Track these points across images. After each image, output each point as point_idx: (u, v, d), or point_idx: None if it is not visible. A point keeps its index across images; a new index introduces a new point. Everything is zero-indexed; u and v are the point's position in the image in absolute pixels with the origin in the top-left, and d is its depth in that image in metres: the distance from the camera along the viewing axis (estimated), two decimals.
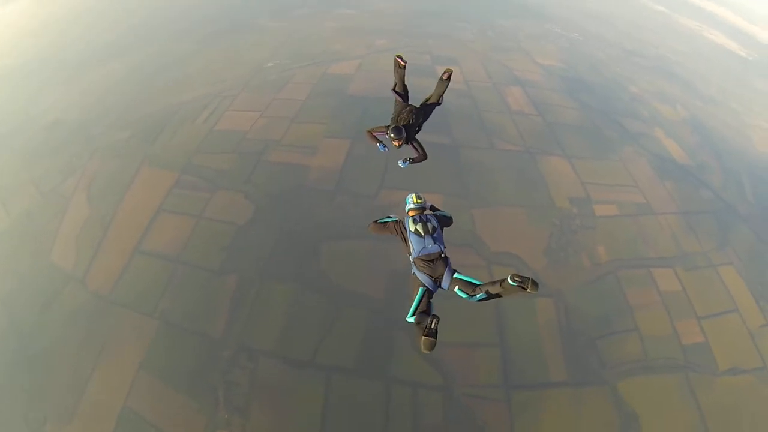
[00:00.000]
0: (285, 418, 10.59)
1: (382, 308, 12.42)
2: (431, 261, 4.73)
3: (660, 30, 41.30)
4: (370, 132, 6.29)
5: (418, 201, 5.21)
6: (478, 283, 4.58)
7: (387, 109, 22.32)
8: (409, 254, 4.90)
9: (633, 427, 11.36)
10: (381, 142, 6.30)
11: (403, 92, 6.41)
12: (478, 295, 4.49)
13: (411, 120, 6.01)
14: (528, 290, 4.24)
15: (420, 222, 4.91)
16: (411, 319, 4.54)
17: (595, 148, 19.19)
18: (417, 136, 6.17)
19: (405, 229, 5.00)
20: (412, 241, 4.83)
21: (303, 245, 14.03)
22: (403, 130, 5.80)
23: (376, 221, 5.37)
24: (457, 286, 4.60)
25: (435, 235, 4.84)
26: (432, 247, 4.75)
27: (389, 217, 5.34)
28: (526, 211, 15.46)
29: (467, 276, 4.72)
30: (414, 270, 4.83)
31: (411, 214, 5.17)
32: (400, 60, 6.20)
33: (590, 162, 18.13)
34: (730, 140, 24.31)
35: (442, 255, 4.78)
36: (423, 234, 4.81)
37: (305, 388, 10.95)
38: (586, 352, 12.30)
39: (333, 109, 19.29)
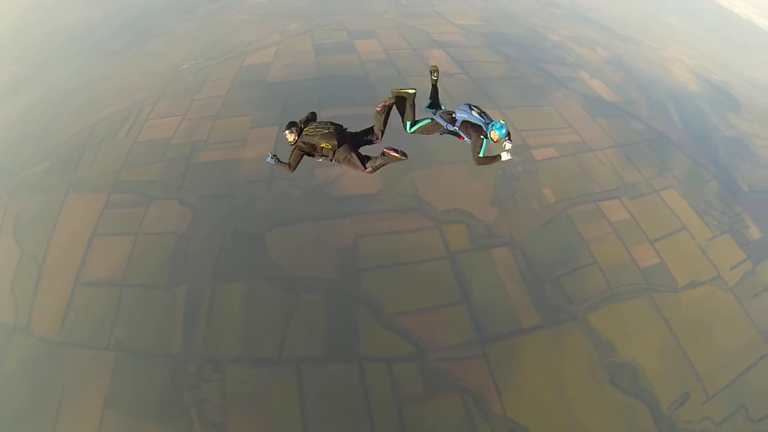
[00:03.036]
0: (264, 421, 11.04)
1: (338, 287, 13.19)
2: None
3: None
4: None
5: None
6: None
7: (309, 91, 23.18)
8: None
9: (610, 356, 13.01)
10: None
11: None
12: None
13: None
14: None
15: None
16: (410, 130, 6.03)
17: (525, 96, 21.32)
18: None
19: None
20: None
21: (248, 240, 14.62)
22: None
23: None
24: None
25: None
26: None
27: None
28: (465, 166, 16.61)
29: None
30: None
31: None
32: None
33: (522, 110, 20.19)
34: (651, 74, 27.95)
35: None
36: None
37: (278, 386, 11.47)
38: (552, 293, 13.81)
39: (256, 99, 20.26)
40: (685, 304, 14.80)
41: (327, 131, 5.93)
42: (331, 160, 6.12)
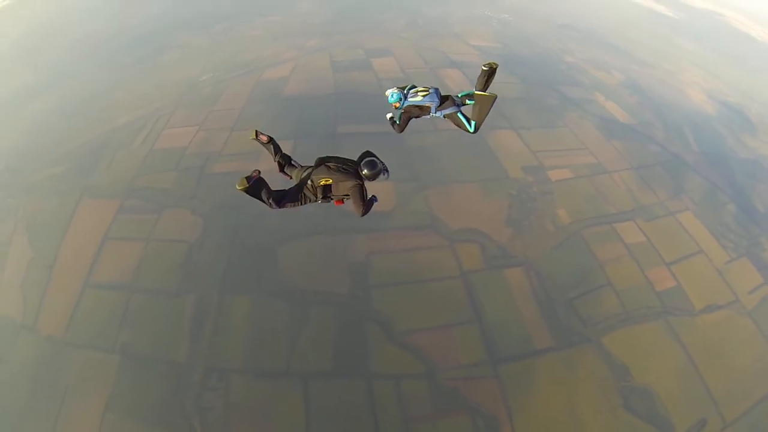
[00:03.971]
0: None
1: (349, 303, 13.29)
2: None
3: (588, 1, 47.29)
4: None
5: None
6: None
7: (325, 107, 23.62)
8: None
9: (625, 379, 12.85)
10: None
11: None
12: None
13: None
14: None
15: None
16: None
17: (540, 117, 21.61)
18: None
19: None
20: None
21: (259, 252, 14.87)
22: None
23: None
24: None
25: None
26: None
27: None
28: (480, 185, 17.17)
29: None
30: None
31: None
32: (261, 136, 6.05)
33: (538, 131, 20.45)
34: (667, 97, 28.04)
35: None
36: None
37: (284, 399, 11.48)
38: (565, 315, 13.76)
39: (272, 113, 20.81)
40: (703, 328, 14.58)
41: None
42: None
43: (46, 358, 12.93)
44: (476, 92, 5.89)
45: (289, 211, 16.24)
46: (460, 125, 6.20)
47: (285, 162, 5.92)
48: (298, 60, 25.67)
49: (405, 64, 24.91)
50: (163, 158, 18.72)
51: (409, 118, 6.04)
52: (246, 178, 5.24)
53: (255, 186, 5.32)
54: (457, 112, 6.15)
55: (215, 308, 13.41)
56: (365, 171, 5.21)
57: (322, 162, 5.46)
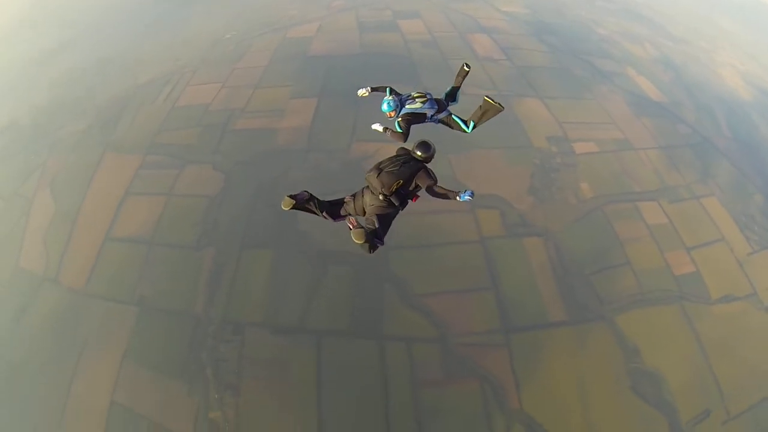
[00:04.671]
0: (278, 389, 11.23)
1: (368, 263, 13.05)
2: None
3: None
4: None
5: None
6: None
7: (350, 67, 22.99)
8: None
9: (635, 361, 12.68)
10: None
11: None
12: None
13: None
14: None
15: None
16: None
17: (569, 88, 20.77)
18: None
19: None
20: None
21: (279, 209, 14.33)
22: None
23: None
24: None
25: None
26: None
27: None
28: (504, 152, 16.68)
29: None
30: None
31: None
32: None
33: (565, 102, 19.66)
34: (701, 77, 26.76)
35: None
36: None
37: (296, 355, 11.63)
38: (581, 290, 13.48)
39: (296, 71, 20.54)
40: (717, 318, 14.24)
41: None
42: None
43: (66, 310, 13.35)
44: (486, 98, 5.80)
45: (311, 171, 15.54)
46: (454, 127, 6.11)
47: (334, 209, 5.37)
48: (324, 19, 25.10)
49: (433, 27, 24.06)
50: (186, 114, 18.82)
51: (410, 125, 5.74)
52: (290, 196, 4.92)
53: (303, 205, 5.03)
54: (449, 114, 6.04)
55: (234, 263, 13.49)
56: (420, 153, 5.15)
57: (379, 170, 5.00)
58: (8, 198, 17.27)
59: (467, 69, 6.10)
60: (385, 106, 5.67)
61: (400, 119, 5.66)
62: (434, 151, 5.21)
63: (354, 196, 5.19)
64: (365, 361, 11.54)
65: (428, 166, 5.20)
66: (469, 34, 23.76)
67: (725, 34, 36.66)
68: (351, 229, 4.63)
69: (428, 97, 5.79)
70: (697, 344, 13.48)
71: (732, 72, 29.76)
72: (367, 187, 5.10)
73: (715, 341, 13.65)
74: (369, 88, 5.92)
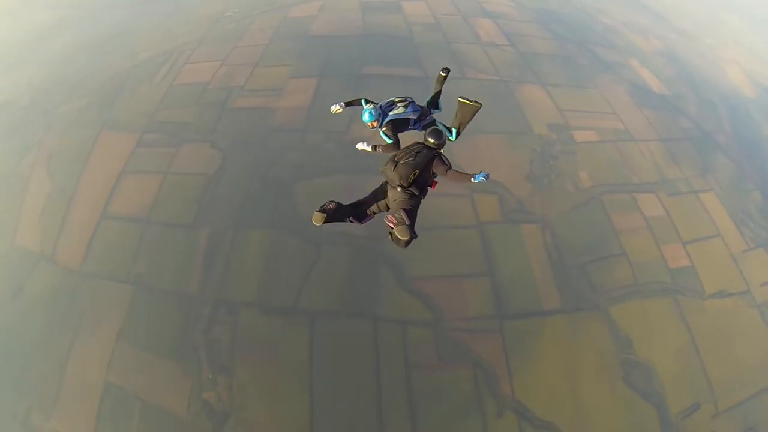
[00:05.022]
0: (271, 370, 11.20)
1: (363, 244, 13.13)
2: None
3: None
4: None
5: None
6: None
7: (351, 47, 22.74)
8: None
9: (627, 352, 12.72)
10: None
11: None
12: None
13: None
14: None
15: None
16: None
17: (571, 76, 20.58)
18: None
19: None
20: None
21: (277, 188, 14.70)
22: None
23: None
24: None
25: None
26: None
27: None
28: (504, 138, 16.52)
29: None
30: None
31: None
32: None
33: (567, 90, 19.51)
34: (705, 72, 26.60)
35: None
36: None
37: (289, 335, 11.61)
38: (577, 279, 13.47)
39: (297, 50, 20.23)
40: (710, 313, 14.32)
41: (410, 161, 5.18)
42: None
43: (62, 288, 13.30)
44: (460, 99, 5.74)
45: (309, 152, 15.29)
46: None
47: (357, 210, 5.38)
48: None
49: (436, 10, 23.72)
50: (185, 93, 18.62)
51: (397, 132, 5.63)
52: (320, 211, 4.90)
53: (333, 216, 5.00)
54: (433, 122, 5.86)
55: (229, 242, 13.42)
56: (432, 140, 5.30)
57: (395, 163, 5.10)
58: (4, 176, 17.09)
59: (444, 74, 5.96)
60: (366, 116, 5.43)
61: (384, 128, 5.51)
62: (446, 138, 5.39)
63: (375, 193, 5.27)
64: (358, 343, 11.52)
65: (441, 152, 5.30)
66: (473, 18, 23.42)
67: (731, 31, 36.51)
68: (393, 227, 4.74)
69: (409, 100, 5.66)
70: (689, 338, 13.54)
71: (736, 69, 29.60)
72: (386, 182, 5.19)
73: (707, 336, 13.72)
74: (342, 104, 5.67)
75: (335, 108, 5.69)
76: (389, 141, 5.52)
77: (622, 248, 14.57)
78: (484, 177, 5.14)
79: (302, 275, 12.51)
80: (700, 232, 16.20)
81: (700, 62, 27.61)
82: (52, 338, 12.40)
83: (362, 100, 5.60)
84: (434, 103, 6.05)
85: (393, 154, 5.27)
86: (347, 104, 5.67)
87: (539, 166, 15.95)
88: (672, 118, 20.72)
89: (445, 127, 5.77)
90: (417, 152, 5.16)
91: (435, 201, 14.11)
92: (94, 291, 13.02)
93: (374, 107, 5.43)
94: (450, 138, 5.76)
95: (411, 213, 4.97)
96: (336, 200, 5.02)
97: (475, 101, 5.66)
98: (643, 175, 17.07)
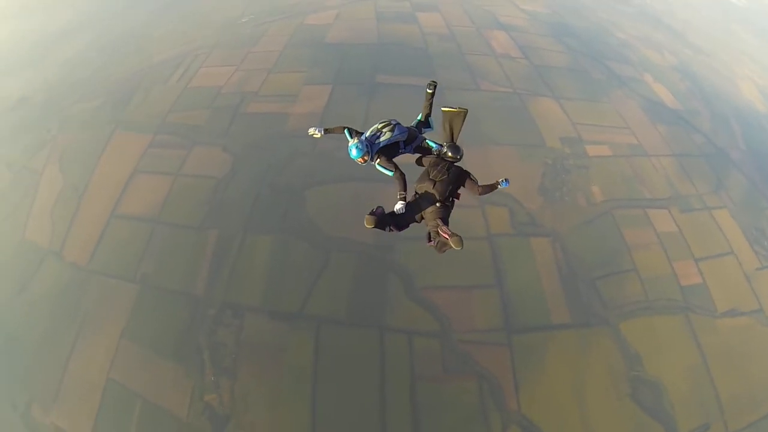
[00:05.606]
0: (274, 376, 11.19)
1: (372, 252, 13.16)
2: None
3: None
4: None
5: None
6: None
7: (366, 55, 22.94)
8: None
9: (636, 369, 12.56)
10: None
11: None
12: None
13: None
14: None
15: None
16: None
17: (585, 90, 20.60)
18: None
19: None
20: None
21: (287, 194, 14.83)
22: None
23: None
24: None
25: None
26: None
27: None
28: (516, 150, 16.55)
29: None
30: None
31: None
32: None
33: (580, 104, 19.51)
34: (719, 88, 26.48)
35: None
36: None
37: (294, 342, 11.60)
38: (586, 293, 13.36)
39: (312, 57, 20.49)
40: (722, 332, 14.11)
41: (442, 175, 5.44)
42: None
43: (68, 284, 13.45)
44: (444, 109, 5.62)
45: (319, 158, 15.39)
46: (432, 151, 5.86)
47: (398, 220, 5.48)
48: (342, 8, 25.03)
49: (451, 22, 23.92)
50: (198, 96, 18.86)
51: (392, 158, 5.50)
52: (370, 215, 5.05)
53: (382, 220, 5.15)
54: (424, 140, 5.80)
55: (237, 245, 13.49)
56: (451, 155, 5.54)
57: (433, 182, 5.44)
58: (18, 171, 17.35)
59: (431, 90, 5.69)
60: (353, 153, 5.16)
61: (379, 161, 5.35)
62: (462, 154, 5.59)
63: (410, 205, 5.40)
64: (364, 352, 11.49)
65: (469, 171, 5.63)
66: (487, 30, 23.63)
67: (747, 47, 36.36)
68: (447, 238, 4.99)
69: (393, 123, 5.51)
70: (699, 356, 13.36)
71: (750, 85, 29.47)
72: (418, 195, 5.47)
73: (718, 355, 13.52)
74: (321, 130, 5.52)
75: (313, 132, 5.55)
76: (390, 173, 5.39)
77: (633, 264, 14.46)
78: (506, 182, 5.56)
79: (310, 282, 12.52)
80: (713, 250, 16.03)
81: (714, 78, 27.49)
82: (56, 333, 12.52)
83: (345, 130, 5.49)
84: (425, 122, 5.96)
85: (426, 172, 5.48)
86: (327, 131, 5.53)
87: (551, 179, 15.91)
88: (686, 133, 20.61)
89: (438, 144, 5.74)
90: (447, 169, 5.45)
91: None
92: (100, 288, 13.13)
93: (359, 141, 5.18)
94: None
95: (446, 221, 5.29)
96: (381, 206, 5.23)
97: (459, 107, 5.62)
98: (656, 190, 16.96)
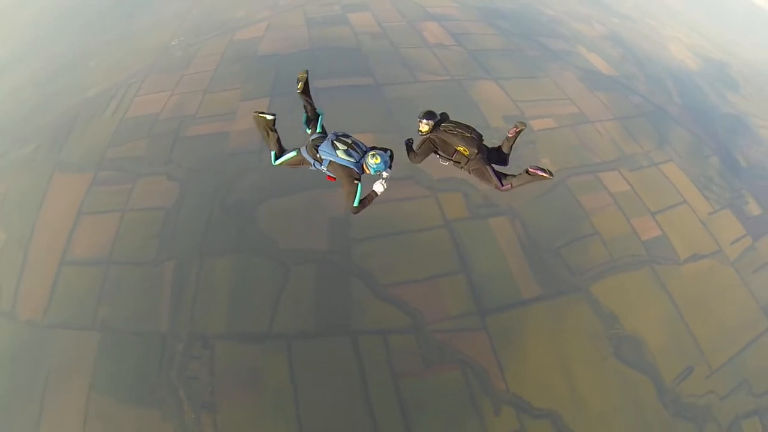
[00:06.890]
0: (256, 400, 10.81)
1: (330, 259, 12.93)
2: None
3: None
4: None
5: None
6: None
7: (300, 63, 22.82)
8: None
9: (614, 327, 12.86)
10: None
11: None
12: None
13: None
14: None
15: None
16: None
17: (522, 68, 21.19)
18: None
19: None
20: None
21: (237, 212, 14.45)
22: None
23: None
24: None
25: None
26: None
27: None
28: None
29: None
30: None
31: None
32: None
33: (519, 82, 20.02)
34: (649, 51, 27.97)
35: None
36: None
37: (269, 362, 11.24)
38: (553, 263, 13.61)
39: (246, 72, 20.16)
40: (687, 277, 14.70)
41: (468, 136, 5.88)
42: (462, 167, 6.06)
43: (27, 343, 12.60)
44: (255, 114, 5.63)
45: (266, 172, 15.20)
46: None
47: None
48: (271, 19, 24.72)
49: (382, 18, 24.08)
50: (136, 126, 18.15)
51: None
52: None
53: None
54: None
55: (195, 273, 13.03)
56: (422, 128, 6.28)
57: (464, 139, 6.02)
58: None
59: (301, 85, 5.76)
60: (381, 166, 5.40)
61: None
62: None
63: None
64: (340, 359, 11.25)
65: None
66: (419, 23, 23.90)
67: (671, 12, 38.52)
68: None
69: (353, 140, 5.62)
70: (671, 304, 13.84)
71: (678, 44, 31.22)
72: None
73: (688, 300, 14.07)
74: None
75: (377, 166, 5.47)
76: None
77: (594, 227, 14.85)
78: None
79: (273, 298, 12.22)
80: (667, 202, 16.75)
81: (644, 42, 28.95)
82: (22, 397, 11.66)
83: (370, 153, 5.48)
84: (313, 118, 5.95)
85: (453, 139, 5.90)
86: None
87: None
88: (624, 96, 21.52)
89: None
90: (456, 126, 6.00)
91: (399, 205, 14.33)
92: (60, 342, 12.40)
93: (379, 155, 5.39)
94: (274, 162, 5.88)
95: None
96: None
97: (267, 111, 5.64)
98: (604, 154, 17.56)
